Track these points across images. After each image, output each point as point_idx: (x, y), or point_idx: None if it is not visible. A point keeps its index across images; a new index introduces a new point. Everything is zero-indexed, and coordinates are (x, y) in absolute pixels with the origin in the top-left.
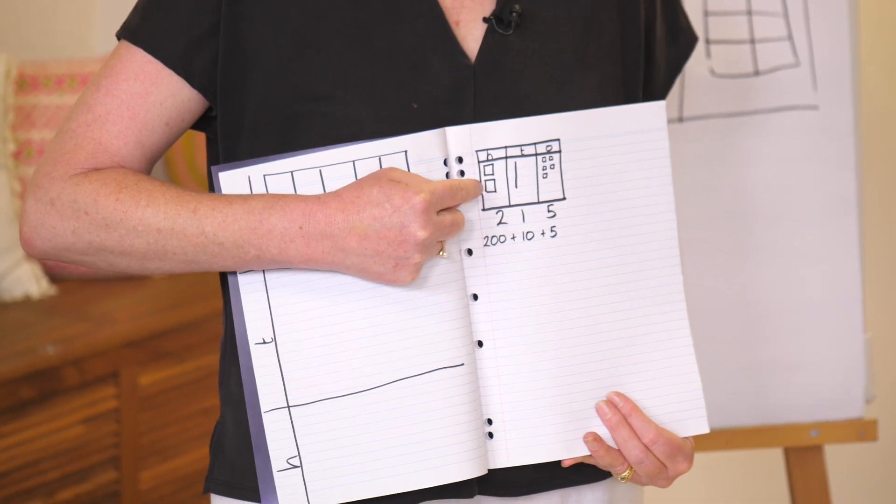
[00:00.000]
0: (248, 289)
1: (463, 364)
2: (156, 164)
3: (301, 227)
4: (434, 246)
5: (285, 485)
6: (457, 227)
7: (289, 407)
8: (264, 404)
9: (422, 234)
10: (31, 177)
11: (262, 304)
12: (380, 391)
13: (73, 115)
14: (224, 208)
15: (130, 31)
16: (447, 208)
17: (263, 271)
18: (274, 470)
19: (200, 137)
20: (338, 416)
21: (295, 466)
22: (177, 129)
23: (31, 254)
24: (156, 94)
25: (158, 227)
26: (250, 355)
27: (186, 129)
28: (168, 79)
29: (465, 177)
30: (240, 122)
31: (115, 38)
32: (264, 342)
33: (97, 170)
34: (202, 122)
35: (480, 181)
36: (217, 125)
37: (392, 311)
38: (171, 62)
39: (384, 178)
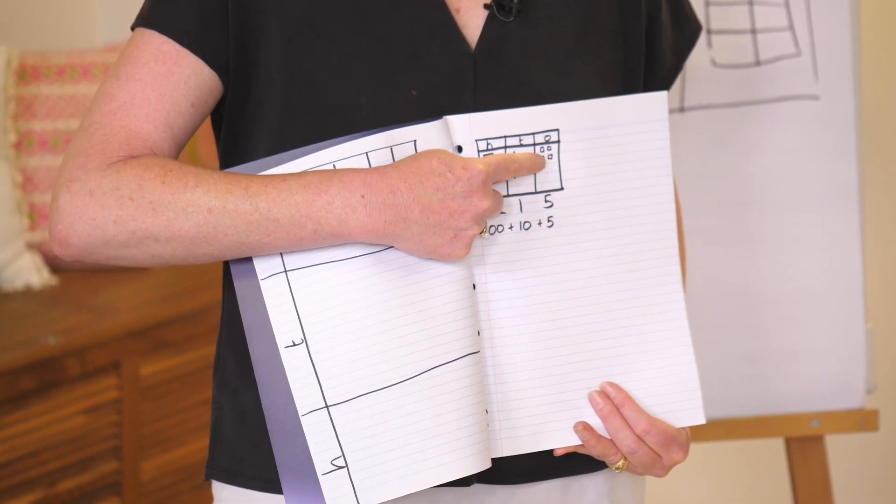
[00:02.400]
0: (273, 293)
1: (478, 351)
2: None
3: (363, 196)
4: (483, 222)
5: (332, 487)
6: (501, 205)
7: (327, 407)
8: (301, 408)
9: (484, 203)
10: (58, 174)
11: (288, 306)
12: (414, 382)
13: (95, 107)
14: (278, 184)
15: (143, 18)
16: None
17: (286, 272)
18: (318, 473)
19: (202, 129)
20: (376, 410)
21: (340, 467)
22: (201, 112)
23: (67, 254)
24: (178, 74)
25: (209, 206)
26: (275, 356)
27: (209, 113)
28: (187, 58)
29: None
30: (245, 102)
31: (116, 29)
32: (294, 344)
33: (134, 157)
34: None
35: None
36: (224, 105)
37: (419, 301)
38: (187, 41)
39: (437, 152)
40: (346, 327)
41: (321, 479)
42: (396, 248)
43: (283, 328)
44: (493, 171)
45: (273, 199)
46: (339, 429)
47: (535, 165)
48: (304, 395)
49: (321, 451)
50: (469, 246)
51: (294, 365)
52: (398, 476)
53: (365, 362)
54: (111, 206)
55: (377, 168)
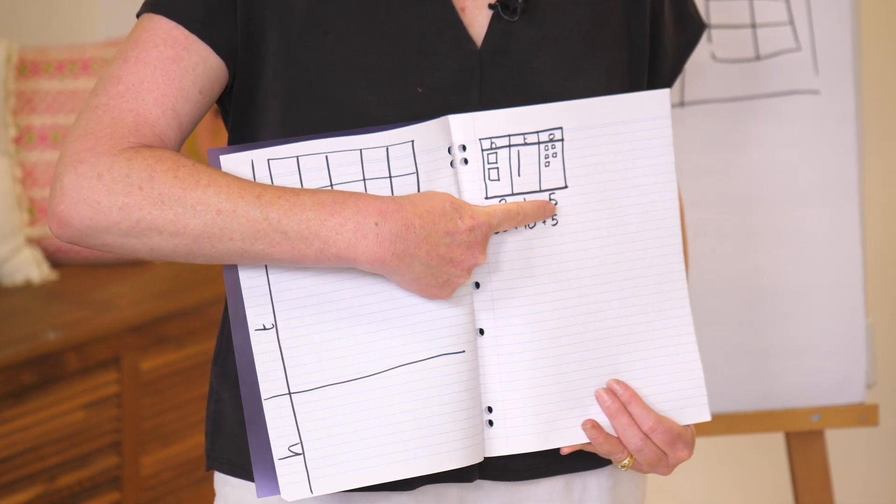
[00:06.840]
0: (248, 274)
1: (464, 351)
2: None
3: (377, 224)
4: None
5: (287, 472)
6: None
7: (290, 394)
8: (265, 391)
9: (481, 258)
10: (62, 154)
11: (262, 290)
12: (381, 377)
13: (101, 89)
14: (291, 197)
15: (151, 4)
16: None
17: None
18: (275, 458)
19: (201, 124)
20: (339, 402)
21: (297, 454)
22: (208, 99)
23: (66, 234)
24: (187, 60)
25: (219, 207)
26: (249, 342)
27: (214, 101)
28: (196, 45)
29: (469, 165)
30: (253, 95)
31: (116, 24)
32: (265, 328)
33: (146, 146)
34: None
35: (485, 169)
36: (232, 97)
37: (394, 298)
38: (196, 28)
39: (447, 195)
40: (318, 318)
41: (277, 463)
42: (387, 280)
43: (255, 311)
44: (497, 223)
45: (284, 211)
46: (299, 416)
47: (542, 214)
48: (268, 380)
49: (279, 437)
50: (453, 292)
51: (262, 349)
52: (355, 468)
53: (333, 354)
54: (118, 192)
55: (394, 198)
